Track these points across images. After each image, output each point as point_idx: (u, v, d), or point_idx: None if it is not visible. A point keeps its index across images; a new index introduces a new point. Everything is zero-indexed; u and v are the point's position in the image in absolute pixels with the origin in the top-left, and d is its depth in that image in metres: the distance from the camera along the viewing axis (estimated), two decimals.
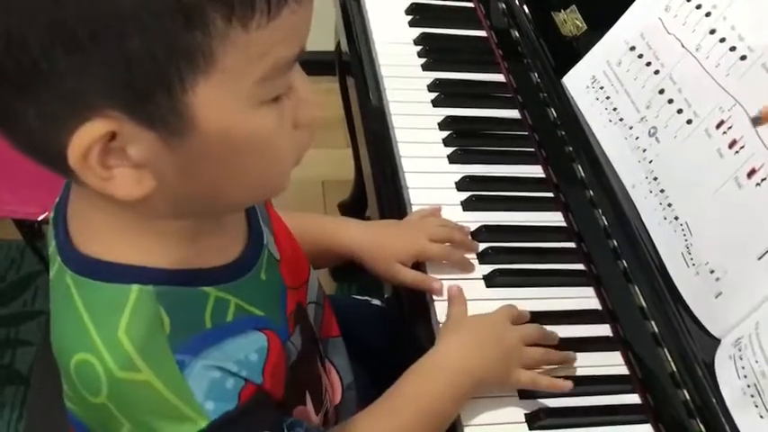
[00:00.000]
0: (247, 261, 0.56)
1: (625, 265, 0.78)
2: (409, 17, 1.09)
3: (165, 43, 0.40)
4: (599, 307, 0.79)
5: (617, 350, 0.75)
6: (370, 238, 0.79)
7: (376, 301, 0.96)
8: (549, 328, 0.74)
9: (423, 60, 1.02)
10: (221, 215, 0.54)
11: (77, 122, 0.41)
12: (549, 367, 0.72)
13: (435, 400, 0.66)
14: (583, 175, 0.86)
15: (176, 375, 0.48)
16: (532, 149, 0.93)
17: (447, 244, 0.80)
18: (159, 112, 0.42)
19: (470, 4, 1.13)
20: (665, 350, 0.71)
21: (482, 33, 1.09)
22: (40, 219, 1.15)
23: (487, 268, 0.80)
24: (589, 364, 0.74)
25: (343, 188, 1.67)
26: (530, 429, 0.68)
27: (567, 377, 0.70)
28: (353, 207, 1.59)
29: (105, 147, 0.42)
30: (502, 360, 0.69)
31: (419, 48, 1.04)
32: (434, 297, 0.77)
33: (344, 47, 1.11)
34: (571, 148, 0.89)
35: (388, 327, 0.90)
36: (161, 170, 0.44)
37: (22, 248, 1.58)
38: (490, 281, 0.79)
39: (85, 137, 0.41)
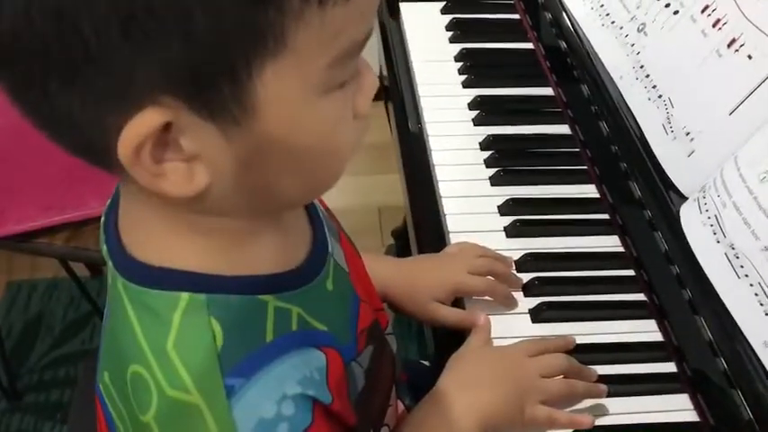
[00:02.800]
0: (311, 268, 0.50)
1: (690, 294, 0.69)
2: (450, 33, 1.03)
3: (233, 21, 0.35)
4: (662, 340, 0.70)
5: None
6: (400, 277, 0.72)
7: (425, 363, 0.89)
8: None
9: (463, 77, 0.96)
10: (278, 212, 0.49)
11: (129, 112, 0.37)
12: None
13: None
14: (640, 194, 0.78)
15: (222, 404, 0.43)
16: (585, 167, 0.85)
17: (489, 277, 0.73)
18: (220, 100, 0.37)
19: (516, 16, 1.07)
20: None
21: (528, 46, 1.02)
22: None
23: (533, 301, 0.72)
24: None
25: (399, 214, 1.62)
26: None
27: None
28: (408, 233, 1.53)
29: (158, 139, 0.38)
30: (513, 398, 0.61)
31: (460, 64, 0.98)
32: None
33: (384, 70, 1.06)
34: (626, 165, 0.81)
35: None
36: (215, 163, 0.40)
37: (81, 286, 1.59)
38: (537, 315, 0.72)
39: (140, 128, 0.37)
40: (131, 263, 0.46)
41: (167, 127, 0.38)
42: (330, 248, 0.53)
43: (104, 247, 0.49)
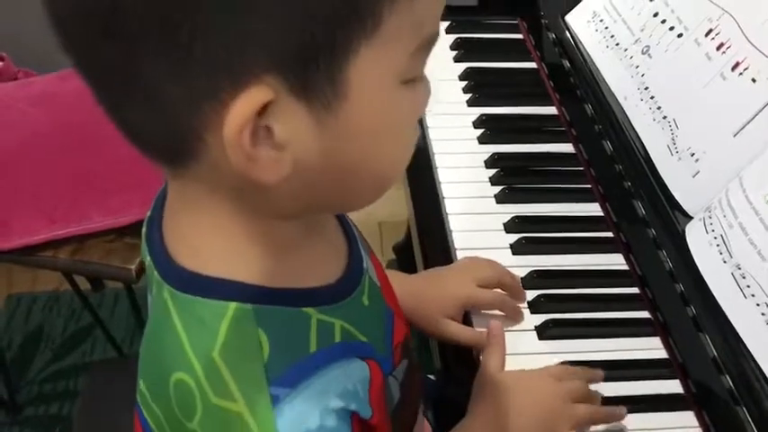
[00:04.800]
0: (349, 284, 0.51)
1: (694, 311, 0.70)
2: (454, 52, 1.05)
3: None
4: (666, 357, 0.71)
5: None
6: (409, 293, 0.72)
7: (430, 376, 0.90)
8: None
9: (468, 96, 0.98)
10: (336, 212, 0.51)
11: (234, 92, 0.37)
12: None
13: None
14: (644, 212, 0.79)
15: (267, 413, 0.43)
16: (588, 186, 0.87)
17: (497, 290, 0.73)
18: (317, 81, 0.38)
19: (519, 36, 1.08)
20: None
21: (532, 65, 1.03)
22: None
23: (539, 318, 0.73)
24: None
25: (400, 229, 1.63)
26: None
27: None
28: (409, 249, 1.54)
29: (256, 122, 0.38)
30: (545, 426, 0.61)
31: (464, 83, 1.00)
32: None
33: None
34: (630, 184, 0.82)
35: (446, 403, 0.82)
36: (300, 152, 0.40)
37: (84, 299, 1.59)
38: (543, 332, 0.72)
39: (247, 106, 0.37)
40: (179, 271, 0.46)
41: (263, 111, 0.38)
42: (365, 265, 0.54)
43: (147, 258, 0.49)
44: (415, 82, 0.43)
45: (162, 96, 0.38)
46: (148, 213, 0.51)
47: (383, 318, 0.55)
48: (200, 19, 0.35)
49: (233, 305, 0.44)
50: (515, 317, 0.73)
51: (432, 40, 0.42)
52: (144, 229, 0.51)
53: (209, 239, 0.46)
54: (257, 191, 0.42)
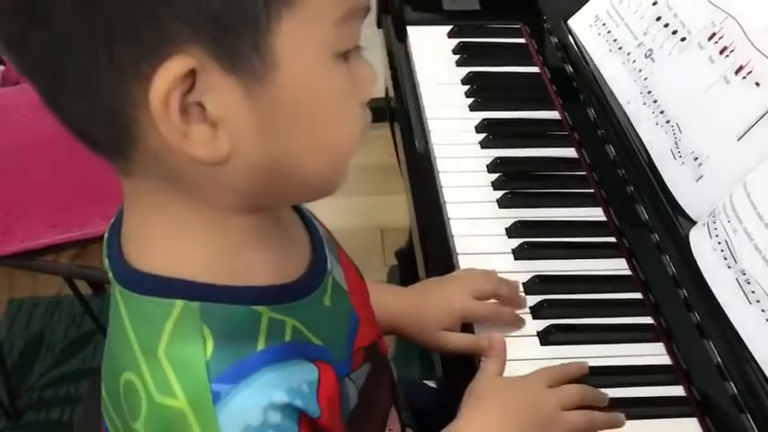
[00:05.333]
0: (308, 284, 0.51)
1: (698, 317, 0.69)
2: (456, 56, 1.04)
3: None
4: (670, 363, 0.70)
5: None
6: (405, 308, 0.72)
7: (431, 383, 0.89)
8: None
9: (470, 100, 0.97)
10: (287, 202, 0.51)
11: (155, 64, 0.38)
12: None
13: None
14: (647, 217, 0.79)
15: (208, 410, 0.43)
16: (591, 190, 0.86)
17: (493, 300, 0.73)
18: (242, 51, 0.39)
19: (522, 40, 1.08)
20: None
21: (534, 69, 1.03)
22: None
23: (542, 324, 0.73)
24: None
25: (402, 235, 1.62)
26: None
27: None
28: (411, 254, 1.53)
29: (184, 97, 0.39)
30: None
31: (467, 87, 0.99)
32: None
33: (391, 92, 1.07)
34: (633, 188, 0.81)
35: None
36: (237, 129, 0.41)
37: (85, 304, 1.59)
38: (545, 338, 0.72)
39: (166, 76, 0.38)
40: (129, 271, 0.46)
41: (192, 86, 0.39)
42: (330, 267, 0.54)
43: (106, 261, 0.49)
44: (351, 58, 0.43)
45: (93, 83, 0.39)
46: (112, 219, 0.51)
47: (345, 321, 0.54)
48: None
49: (179, 303, 0.44)
50: (514, 326, 0.72)
51: (359, 11, 0.42)
52: (106, 234, 0.51)
53: (159, 238, 0.46)
54: (204, 181, 0.42)
